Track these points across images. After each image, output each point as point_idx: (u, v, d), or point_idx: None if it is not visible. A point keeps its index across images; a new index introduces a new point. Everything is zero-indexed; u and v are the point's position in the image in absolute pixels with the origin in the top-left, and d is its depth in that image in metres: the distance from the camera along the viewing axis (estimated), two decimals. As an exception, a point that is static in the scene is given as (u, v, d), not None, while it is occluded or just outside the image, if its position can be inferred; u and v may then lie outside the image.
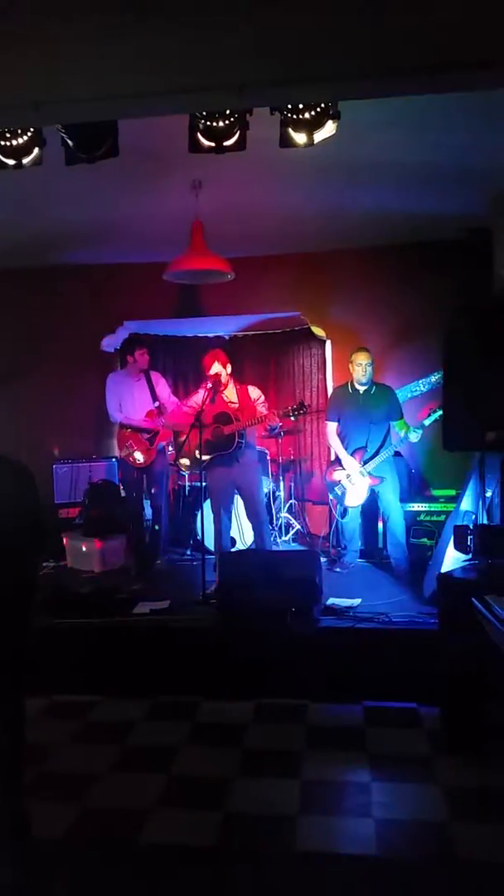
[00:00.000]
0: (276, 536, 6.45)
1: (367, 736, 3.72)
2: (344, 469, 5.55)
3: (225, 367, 5.34)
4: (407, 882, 2.64)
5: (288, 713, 4.00)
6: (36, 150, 3.44)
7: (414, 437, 5.29)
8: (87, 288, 6.67)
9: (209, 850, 2.82)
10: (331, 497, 5.76)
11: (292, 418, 5.45)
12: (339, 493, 5.58)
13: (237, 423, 5.23)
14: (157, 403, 5.91)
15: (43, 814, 3.04)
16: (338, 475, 5.60)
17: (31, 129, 3.38)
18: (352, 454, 5.53)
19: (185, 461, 6.43)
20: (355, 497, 5.52)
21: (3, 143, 3.41)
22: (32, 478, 2.31)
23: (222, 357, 5.38)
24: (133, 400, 5.96)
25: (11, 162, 3.46)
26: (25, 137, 3.40)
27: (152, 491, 6.06)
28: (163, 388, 6.04)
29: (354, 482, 5.48)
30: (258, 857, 2.80)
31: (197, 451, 5.28)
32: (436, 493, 6.01)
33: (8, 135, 3.39)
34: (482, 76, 2.82)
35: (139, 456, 5.89)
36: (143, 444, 5.89)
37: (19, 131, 3.37)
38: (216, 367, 5.30)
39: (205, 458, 5.28)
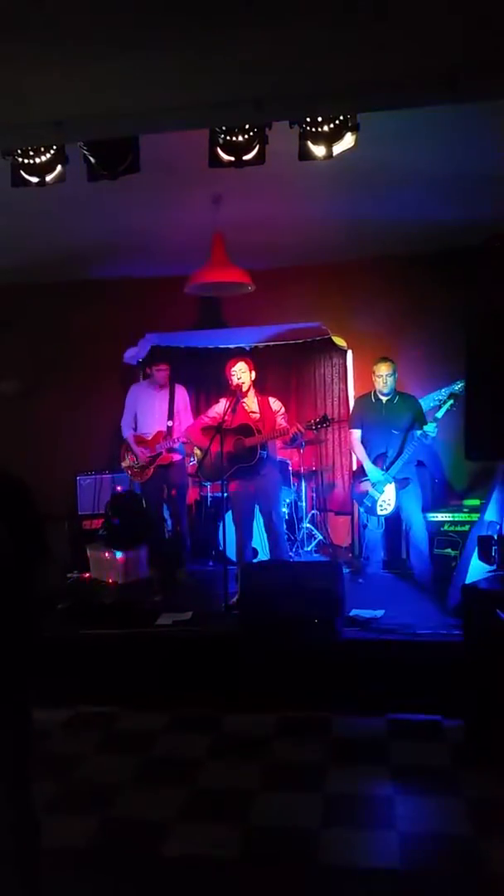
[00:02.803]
0: (298, 547, 6.43)
1: (391, 749, 3.69)
2: (369, 478, 5.52)
3: (250, 372, 5.35)
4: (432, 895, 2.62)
5: (310, 725, 3.97)
6: (59, 168, 3.50)
7: (431, 430, 5.26)
8: (109, 301, 6.74)
9: (231, 864, 2.81)
10: (361, 510, 5.69)
11: (315, 431, 5.44)
12: (370, 504, 5.52)
13: (259, 436, 5.24)
14: (169, 423, 5.84)
15: (66, 825, 3.06)
16: (363, 486, 5.55)
17: (54, 147, 3.43)
18: (373, 461, 5.51)
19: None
20: (386, 506, 5.44)
21: (26, 160, 3.47)
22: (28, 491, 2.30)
23: (249, 363, 5.39)
24: (150, 413, 5.93)
25: (35, 179, 3.52)
26: (48, 155, 3.46)
27: (173, 502, 6.07)
28: (184, 404, 5.99)
29: (382, 490, 5.44)
30: (281, 870, 2.78)
31: (216, 462, 5.29)
32: (460, 502, 5.96)
33: (31, 153, 3.44)
34: (501, 85, 2.81)
35: (138, 470, 5.89)
36: (145, 459, 5.87)
37: (42, 149, 3.43)
38: (242, 367, 5.30)
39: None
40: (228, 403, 5.30)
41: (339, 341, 6.80)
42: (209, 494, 6.69)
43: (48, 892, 2.35)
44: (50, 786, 3.39)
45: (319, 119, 3.17)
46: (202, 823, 3.11)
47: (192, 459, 6.26)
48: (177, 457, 5.90)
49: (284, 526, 5.88)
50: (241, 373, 5.30)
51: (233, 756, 3.72)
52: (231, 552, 5.65)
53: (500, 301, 5.57)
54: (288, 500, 6.40)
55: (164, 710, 4.21)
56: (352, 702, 4.06)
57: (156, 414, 5.92)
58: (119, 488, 6.50)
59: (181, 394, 6.01)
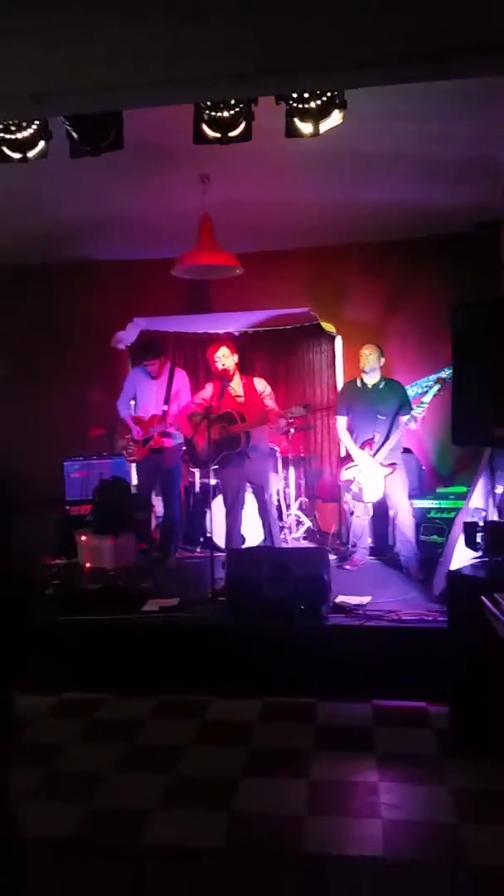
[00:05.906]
0: (286, 534, 6.41)
1: (376, 735, 3.68)
2: (356, 464, 5.49)
3: (233, 356, 5.31)
4: (415, 883, 2.60)
5: (296, 712, 3.96)
6: (41, 144, 3.41)
7: (417, 411, 5.28)
8: (95, 284, 6.65)
9: (215, 851, 2.79)
10: (348, 497, 5.67)
11: (293, 413, 5.44)
12: (357, 490, 5.50)
13: (244, 424, 5.20)
14: (164, 407, 5.82)
15: (50, 813, 3.04)
16: (350, 473, 5.53)
17: (37, 122, 3.34)
18: (360, 447, 5.48)
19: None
20: (372, 492, 5.42)
21: (7, 136, 3.37)
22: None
23: (231, 347, 5.35)
24: (147, 396, 5.91)
25: (17, 155, 3.43)
26: (30, 130, 3.36)
27: (165, 488, 6.03)
28: (185, 388, 5.93)
29: (368, 476, 5.42)
30: (265, 858, 2.76)
31: (205, 447, 5.26)
32: (446, 489, 5.94)
33: (13, 128, 3.35)
34: (489, 62, 2.76)
35: (132, 452, 5.91)
36: (138, 442, 5.87)
37: (24, 124, 3.33)
38: (224, 351, 5.26)
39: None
40: (215, 389, 5.26)
41: (328, 327, 6.75)
42: (198, 480, 6.65)
43: (32, 881, 2.33)
44: (34, 773, 3.37)
45: (306, 95, 3.10)
46: (187, 810, 3.09)
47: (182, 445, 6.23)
48: (169, 442, 5.86)
49: (275, 510, 5.86)
50: (224, 357, 5.27)
51: (218, 742, 3.70)
52: (220, 538, 5.62)
53: (486, 287, 5.57)
54: (276, 487, 6.37)
55: (149, 696, 4.19)
56: (337, 688, 4.05)
57: (152, 398, 5.90)
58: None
59: (181, 378, 5.95)
